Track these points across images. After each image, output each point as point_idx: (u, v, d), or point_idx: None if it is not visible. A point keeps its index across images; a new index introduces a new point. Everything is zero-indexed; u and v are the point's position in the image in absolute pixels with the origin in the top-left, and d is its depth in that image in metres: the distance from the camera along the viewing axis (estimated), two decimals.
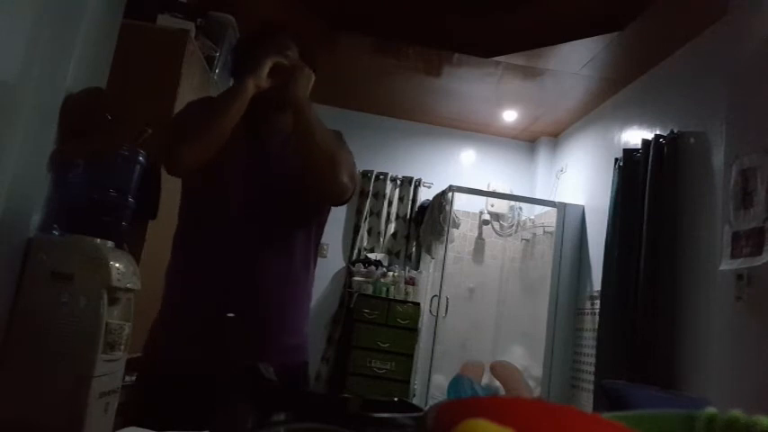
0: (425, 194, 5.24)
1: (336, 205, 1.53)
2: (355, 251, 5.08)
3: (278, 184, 1.44)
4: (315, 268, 1.55)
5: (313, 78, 1.44)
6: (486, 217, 5.31)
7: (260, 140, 1.47)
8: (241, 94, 1.36)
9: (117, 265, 1.74)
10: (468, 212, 5.28)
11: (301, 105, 1.39)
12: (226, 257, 1.41)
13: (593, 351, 3.68)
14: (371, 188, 5.19)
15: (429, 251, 4.98)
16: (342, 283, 5.02)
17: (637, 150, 3.51)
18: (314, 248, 1.54)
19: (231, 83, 3.31)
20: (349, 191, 1.44)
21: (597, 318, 3.71)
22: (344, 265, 5.09)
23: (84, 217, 1.86)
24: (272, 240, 1.43)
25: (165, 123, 1.44)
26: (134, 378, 1.97)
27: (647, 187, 3.27)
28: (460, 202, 4.90)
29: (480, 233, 5.34)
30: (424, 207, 5.10)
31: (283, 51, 1.46)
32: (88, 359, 1.61)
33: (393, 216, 5.24)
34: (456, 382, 0.77)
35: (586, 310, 4.18)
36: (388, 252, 5.15)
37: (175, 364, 1.37)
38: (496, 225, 5.33)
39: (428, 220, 4.91)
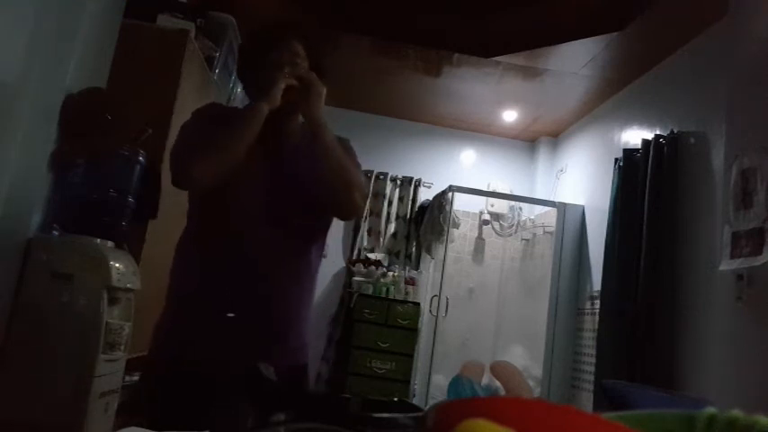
0: (425, 194, 5.24)
1: (345, 220, 1.59)
2: (355, 251, 5.08)
3: (286, 189, 1.45)
4: (318, 270, 1.57)
5: (324, 92, 1.46)
6: (486, 217, 5.31)
7: (270, 145, 1.47)
8: (256, 118, 1.38)
9: (117, 265, 1.74)
10: (468, 212, 5.28)
11: (318, 127, 1.41)
12: (231, 259, 1.41)
13: (593, 351, 3.68)
14: (371, 188, 5.19)
15: (429, 251, 4.98)
16: (342, 283, 5.02)
17: (637, 150, 3.51)
18: (318, 251, 1.56)
19: (234, 81, 3.31)
20: (361, 211, 1.52)
21: (597, 318, 3.72)
22: (344, 265, 5.09)
23: (84, 217, 1.86)
24: (278, 242, 1.44)
25: (176, 141, 1.45)
26: (134, 378, 1.97)
27: (647, 187, 3.27)
28: (460, 202, 4.90)
29: (480, 233, 5.34)
30: (424, 207, 5.10)
31: (294, 60, 1.47)
32: (88, 359, 1.61)
33: (393, 216, 5.24)
34: (456, 383, 0.77)
35: (586, 310, 4.18)
36: (388, 252, 5.14)
37: (177, 364, 1.37)
38: (496, 225, 5.33)
39: (428, 220, 4.91)
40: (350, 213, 1.54)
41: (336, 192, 1.43)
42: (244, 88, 1.60)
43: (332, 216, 1.55)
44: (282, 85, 1.40)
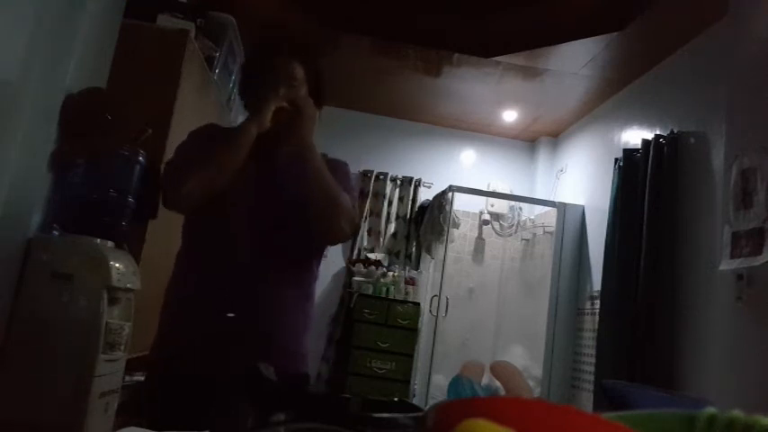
0: (425, 194, 5.24)
1: (329, 245, 1.62)
2: (355, 251, 5.08)
3: (280, 199, 1.47)
4: (317, 275, 1.58)
5: (317, 116, 1.46)
6: (486, 217, 5.31)
7: (263, 164, 1.48)
8: (244, 138, 1.40)
9: (117, 265, 1.73)
10: (468, 212, 5.28)
11: (306, 151, 1.41)
12: (229, 269, 1.43)
13: (593, 351, 3.68)
14: (371, 188, 5.19)
15: (429, 251, 4.97)
16: (342, 283, 5.02)
17: (637, 150, 3.51)
18: (317, 256, 1.57)
19: (234, 81, 3.31)
20: (346, 236, 1.51)
21: (597, 318, 3.71)
22: (344, 265, 5.09)
23: (84, 217, 1.86)
24: (275, 251, 1.45)
25: (169, 161, 1.48)
26: (134, 378, 1.97)
27: (647, 187, 3.27)
28: (460, 202, 4.90)
29: (480, 233, 5.34)
30: (424, 207, 5.10)
31: (291, 82, 1.47)
32: (88, 359, 1.61)
33: (393, 216, 5.24)
34: (456, 383, 0.76)
35: (586, 310, 4.18)
36: (388, 252, 5.14)
37: (177, 366, 1.37)
38: (496, 225, 5.33)
39: (428, 220, 4.91)
40: (334, 240, 1.54)
41: (321, 218, 1.44)
42: (243, 105, 1.61)
43: (317, 241, 1.55)
44: (273, 108, 1.41)
